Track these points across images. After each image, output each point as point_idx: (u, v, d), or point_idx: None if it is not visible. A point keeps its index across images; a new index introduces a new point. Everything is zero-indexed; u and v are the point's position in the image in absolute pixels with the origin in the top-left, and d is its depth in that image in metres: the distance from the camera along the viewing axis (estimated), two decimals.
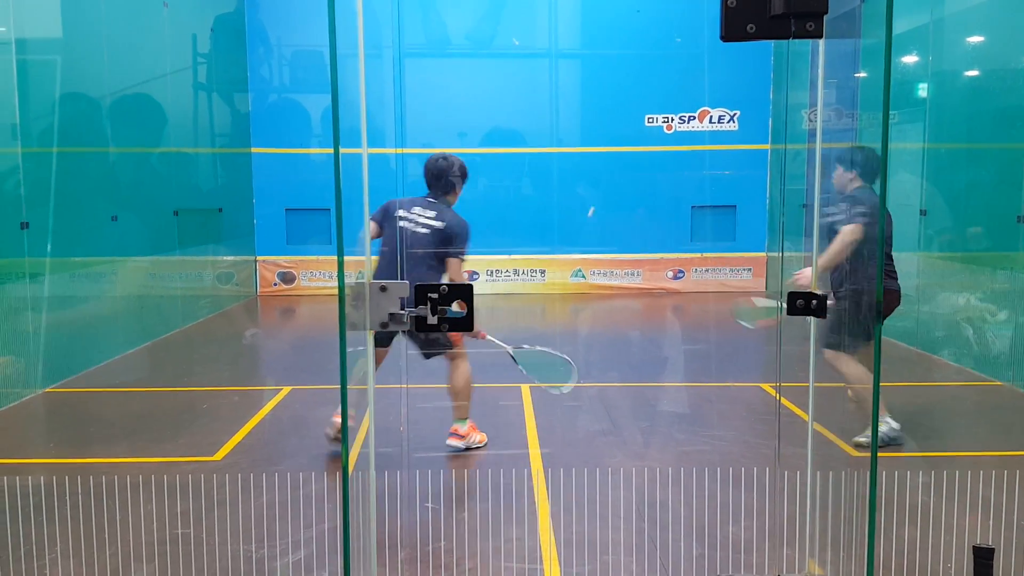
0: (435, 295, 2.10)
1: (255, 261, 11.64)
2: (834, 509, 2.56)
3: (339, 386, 2.10)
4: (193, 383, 6.89)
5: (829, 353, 4.88)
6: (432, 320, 2.11)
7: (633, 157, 11.71)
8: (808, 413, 2.61)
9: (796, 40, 2.15)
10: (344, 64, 2.07)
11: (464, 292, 2.12)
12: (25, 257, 6.30)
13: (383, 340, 4.81)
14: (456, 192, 5.10)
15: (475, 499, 4.12)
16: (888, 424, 4.95)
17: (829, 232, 4.73)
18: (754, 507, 3.92)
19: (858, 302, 5.05)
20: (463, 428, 5.00)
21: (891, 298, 5.12)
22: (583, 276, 11.77)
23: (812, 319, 2.44)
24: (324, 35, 1.99)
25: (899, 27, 8.41)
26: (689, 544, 3.66)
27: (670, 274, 11.80)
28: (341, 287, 2.12)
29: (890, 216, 5.02)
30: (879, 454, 2.26)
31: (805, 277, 5.03)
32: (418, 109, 11.52)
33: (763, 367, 7.23)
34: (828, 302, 2.31)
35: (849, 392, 4.98)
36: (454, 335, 4.84)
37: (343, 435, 2.18)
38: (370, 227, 4.82)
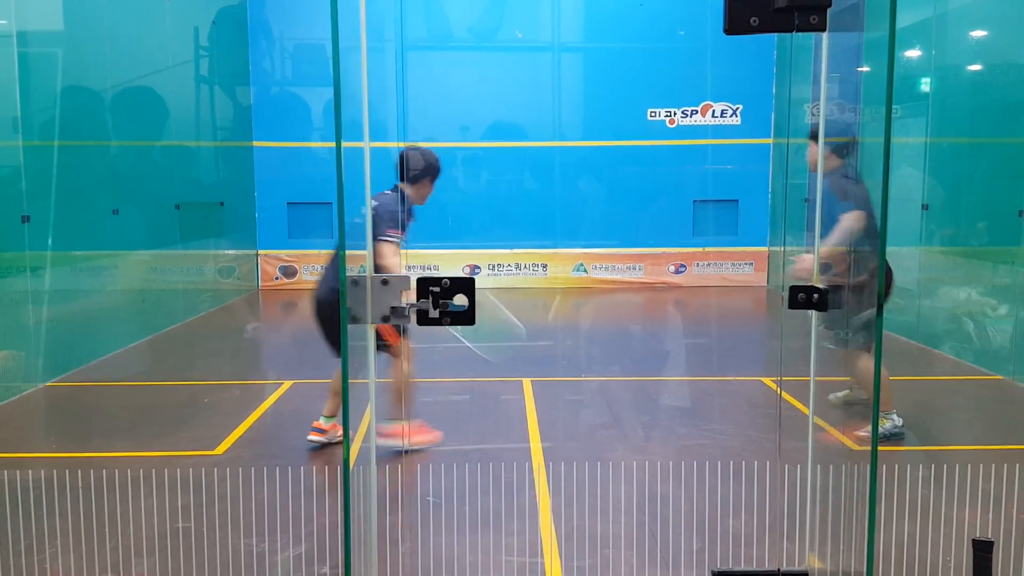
0: (436, 288, 2.10)
1: (256, 255, 11.64)
2: (834, 503, 2.56)
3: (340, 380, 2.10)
4: (194, 377, 6.89)
5: (852, 351, 4.82)
6: (434, 314, 2.11)
7: (635, 151, 11.70)
8: (809, 407, 2.61)
9: (799, 33, 2.15)
10: (346, 57, 2.07)
11: (466, 286, 2.12)
12: (26, 251, 6.30)
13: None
14: (418, 187, 4.85)
15: (476, 493, 4.13)
16: (892, 420, 4.95)
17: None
18: (754, 501, 3.92)
19: (860, 295, 5.04)
20: (328, 423, 4.88)
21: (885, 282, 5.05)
22: (585, 270, 11.77)
23: (813, 312, 2.44)
24: (326, 28, 1.99)
25: (903, 21, 8.36)
26: (689, 538, 3.66)
27: (672, 268, 11.79)
28: (343, 281, 2.12)
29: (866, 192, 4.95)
30: (879, 448, 2.26)
31: (807, 262, 5.00)
32: (420, 103, 11.51)
33: (764, 361, 7.23)
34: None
35: (862, 390, 4.97)
36: (388, 336, 4.60)
37: (344, 429, 2.18)
38: None
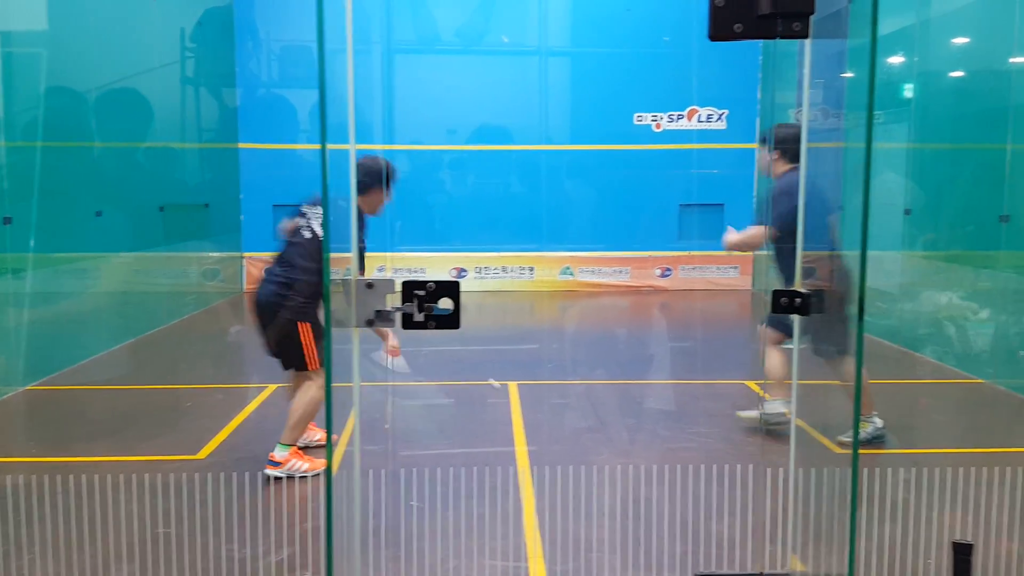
0: (422, 292, 2.10)
1: (241, 257, 11.59)
2: (816, 506, 2.57)
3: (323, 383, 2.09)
4: (177, 381, 6.85)
5: (766, 331, 4.93)
6: (419, 317, 2.11)
7: (622, 155, 11.74)
8: (791, 410, 2.62)
9: (783, 40, 2.16)
10: (333, 60, 2.07)
11: (451, 289, 2.12)
12: (7, 253, 6.25)
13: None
14: (366, 197, 4.45)
15: (460, 497, 4.12)
16: (873, 424, 4.98)
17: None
18: (737, 504, 3.94)
19: (821, 299, 5.10)
20: (282, 454, 4.50)
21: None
22: (571, 273, 11.78)
23: (796, 317, 2.46)
24: (313, 30, 1.99)
25: (885, 28, 8.45)
26: (673, 542, 3.67)
27: (658, 272, 11.82)
28: (327, 284, 2.12)
29: (820, 193, 4.99)
30: (860, 451, 2.27)
31: (731, 235, 5.06)
32: (407, 105, 11.51)
33: (748, 365, 7.26)
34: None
35: (781, 406, 5.04)
36: (309, 355, 4.52)
37: (327, 432, 2.17)
38: (287, 223, 4.64)
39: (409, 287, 2.09)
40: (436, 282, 2.10)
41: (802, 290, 2.37)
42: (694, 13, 10.81)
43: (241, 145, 11.50)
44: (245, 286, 11.57)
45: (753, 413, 5.36)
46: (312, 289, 4.45)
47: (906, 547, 3.37)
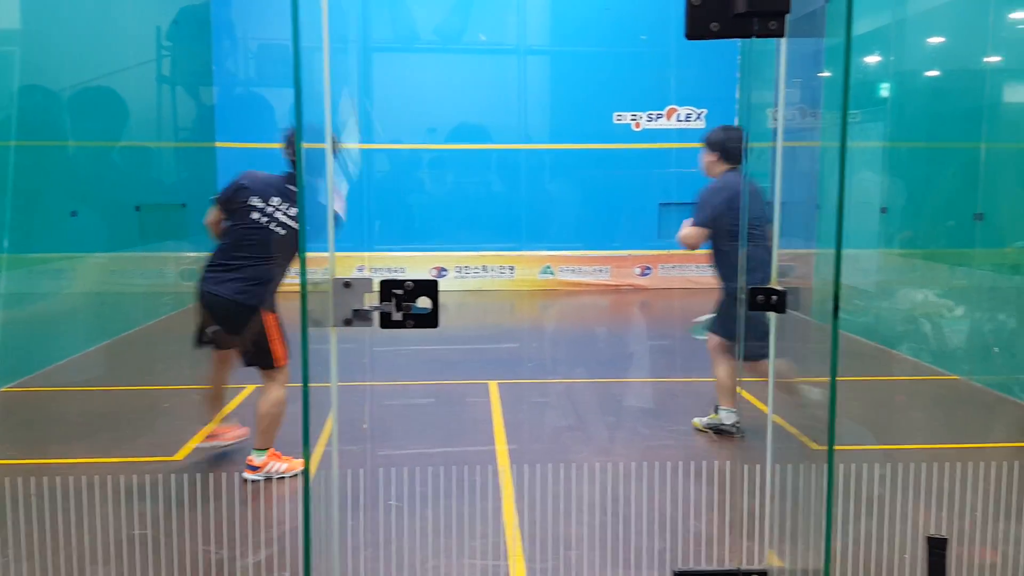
0: (400, 291, 2.10)
1: None
2: (793, 501, 2.59)
3: (301, 384, 2.08)
4: (154, 382, 6.79)
5: (712, 338, 5.02)
6: (397, 316, 2.10)
7: (601, 154, 11.76)
8: (768, 407, 2.64)
9: (759, 39, 2.17)
10: (309, 58, 2.05)
11: (430, 288, 2.11)
12: None
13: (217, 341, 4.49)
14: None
15: (439, 496, 4.12)
16: (729, 412, 5.06)
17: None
18: (714, 500, 3.96)
19: (731, 294, 5.22)
20: (260, 458, 4.47)
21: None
22: (552, 272, 11.80)
23: (772, 314, 2.47)
24: (290, 28, 1.97)
25: (862, 27, 8.53)
26: (652, 538, 3.69)
27: (638, 271, 11.86)
28: (304, 284, 2.10)
29: (758, 193, 5.10)
30: (836, 447, 2.29)
31: (683, 230, 5.16)
32: (386, 104, 11.47)
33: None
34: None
35: (731, 413, 5.11)
36: (279, 353, 4.47)
37: (304, 434, 2.16)
38: (213, 211, 4.57)
39: (387, 286, 2.08)
40: (414, 281, 2.09)
41: (778, 288, 2.39)
42: (672, 12, 10.85)
43: (218, 144, 11.41)
44: None
45: (705, 420, 5.40)
46: (276, 282, 4.41)
47: (882, 542, 3.40)
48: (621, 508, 4.01)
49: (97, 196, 8.27)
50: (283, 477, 4.48)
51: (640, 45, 11.63)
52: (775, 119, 2.66)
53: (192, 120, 11.13)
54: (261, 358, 4.49)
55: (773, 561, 2.66)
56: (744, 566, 2.78)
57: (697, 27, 2.15)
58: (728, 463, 4.28)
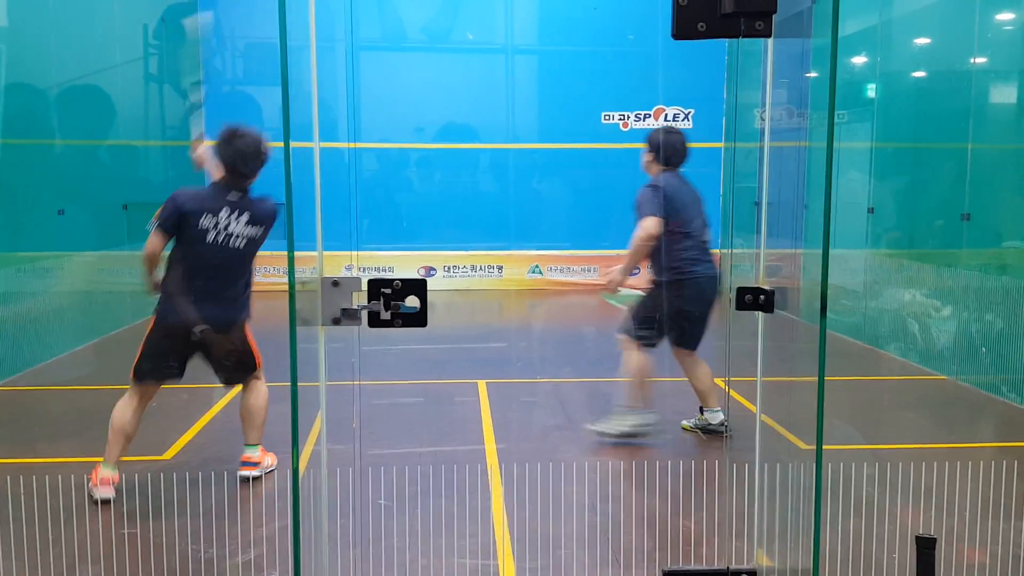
0: (388, 290, 2.10)
1: None
2: (781, 501, 2.61)
3: (289, 383, 2.08)
4: None
5: (624, 337, 5.06)
6: (385, 315, 2.10)
7: (589, 154, 11.77)
8: (756, 406, 2.65)
9: (746, 39, 2.18)
10: (296, 56, 2.05)
11: (418, 287, 2.11)
12: None
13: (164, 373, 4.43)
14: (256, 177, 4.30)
15: (429, 495, 4.11)
16: (643, 417, 5.08)
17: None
18: (704, 500, 3.97)
19: (656, 295, 5.27)
20: (256, 454, 4.46)
21: (700, 286, 5.15)
22: (540, 272, 11.80)
23: (760, 314, 2.48)
24: (277, 27, 1.96)
25: (849, 28, 8.57)
26: (641, 538, 3.70)
27: None
28: (292, 283, 2.10)
29: (700, 198, 5.15)
30: (825, 447, 2.30)
31: (613, 273, 5.25)
32: (373, 103, 11.43)
33: (714, 362, 7.32)
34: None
35: (717, 413, 5.15)
36: (258, 356, 4.45)
37: (293, 433, 2.16)
38: (156, 239, 4.32)
39: (376, 285, 2.08)
40: (403, 280, 2.09)
41: (766, 287, 2.40)
42: (659, 12, 10.87)
43: (206, 143, 11.34)
44: None
45: (692, 421, 5.42)
46: (251, 288, 4.47)
47: (870, 541, 3.42)
48: (610, 507, 4.01)
49: (85, 194, 8.22)
50: (272, 471, 4.48)
51: (628, 45, 11.65)
52: (762, 119, 2.67)
53: (179, 118, 11.07)
54: (245, 373, 4.47)
55: (762, 560, 2.67)
56: (733, 565, 2.79)
57: (684, 27, 2.16)
58: (717, 462, 4.29)
